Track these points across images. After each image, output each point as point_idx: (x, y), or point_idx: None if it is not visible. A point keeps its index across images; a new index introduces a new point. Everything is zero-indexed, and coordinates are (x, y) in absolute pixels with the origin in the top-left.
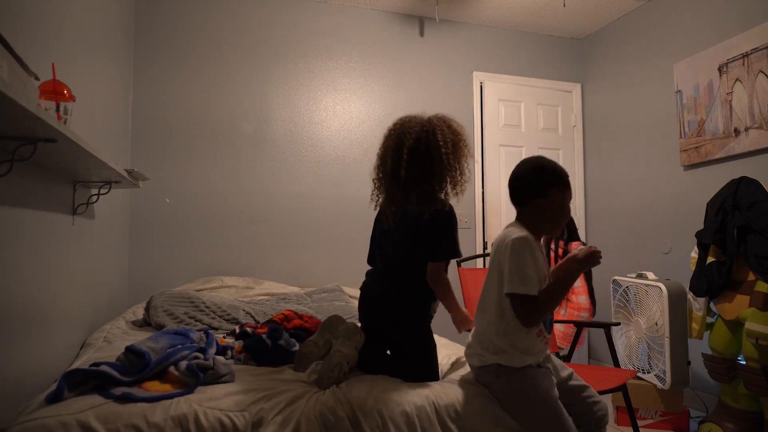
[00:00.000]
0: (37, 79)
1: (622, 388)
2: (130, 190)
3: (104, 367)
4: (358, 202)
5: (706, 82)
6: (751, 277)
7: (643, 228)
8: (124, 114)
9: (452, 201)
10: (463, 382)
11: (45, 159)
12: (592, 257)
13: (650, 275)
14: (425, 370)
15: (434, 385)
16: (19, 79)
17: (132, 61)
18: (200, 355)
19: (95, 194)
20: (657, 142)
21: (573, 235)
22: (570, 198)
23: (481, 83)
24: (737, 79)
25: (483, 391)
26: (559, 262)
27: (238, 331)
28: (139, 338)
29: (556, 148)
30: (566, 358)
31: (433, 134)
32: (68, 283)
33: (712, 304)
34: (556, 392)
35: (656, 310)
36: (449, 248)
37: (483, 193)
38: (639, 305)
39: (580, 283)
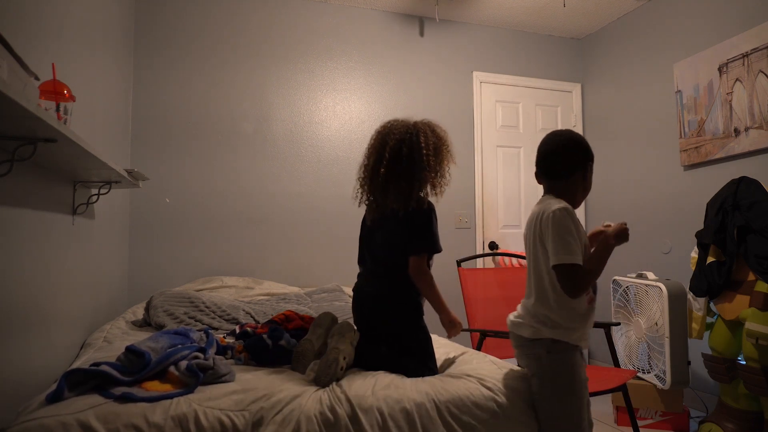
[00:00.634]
0: (37, 79)
1: (622, 388)
2: (130, 190)
3: (104, 367)
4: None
5: (706, 82)
6: (751, 277)
7: (643, 228)
8: (124, 114)
9: (432, 200)
10: (462, 377)
11: (45, 159)
12: (624, 233)
13: (650, 275)
14: (423, 364)
15: (433, 380)
16: (19, 79)
17: (132, 61)
18: (200, 354)
19: (95, 194)
20: (657, 142)
21: None
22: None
23: (481, 83)
24: (737, 79)
25: (483, 385)
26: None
27: (238, 331)
28: (139, 338)
29: None
30: None
31: (416, 136)
32: (68, 283)
33: (712, 304)
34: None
35: (656, 310)
36: (429, 242)
37: (483, 193)
38: (639, 305)
39: None
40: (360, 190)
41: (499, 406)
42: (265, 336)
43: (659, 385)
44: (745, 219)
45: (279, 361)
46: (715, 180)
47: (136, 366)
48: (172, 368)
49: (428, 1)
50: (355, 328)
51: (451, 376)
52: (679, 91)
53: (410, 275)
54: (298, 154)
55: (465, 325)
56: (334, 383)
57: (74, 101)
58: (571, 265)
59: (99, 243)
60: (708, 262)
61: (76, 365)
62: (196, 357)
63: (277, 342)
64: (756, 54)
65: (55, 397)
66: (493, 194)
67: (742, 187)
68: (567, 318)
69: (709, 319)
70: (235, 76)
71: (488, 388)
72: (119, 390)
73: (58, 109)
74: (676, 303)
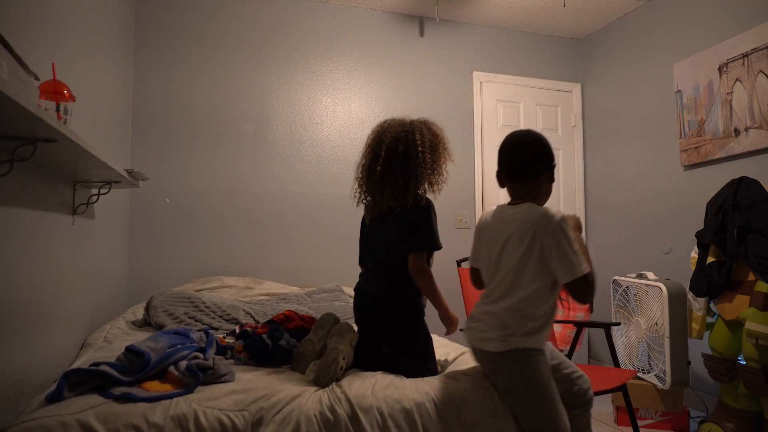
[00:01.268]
0: (37, 79)
1: (622, 388)
2: (130, 189)
3: (104, 367)
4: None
5: (706, 82)
6: (751, 277)
7: (643, 228)
8: (124, 113)
9: (430, 197)
10: (461, 377)
11: (45, 159)
12: (578, 223)
13: (650, 275)
14: (423, 364)
15: (433, 380)
16: (19, 79)
17: (132, 60)
18: (200, 354)
19: (95, 194)
20: (657, 142)
21: None
22: None
23: (481, 83)
24: (737, 79)
25: (482, 385)
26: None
27: (238, 331)
28: (139, 338)
29: (556, 148)
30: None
31: (412, 134)
32: (68, 283)
33: (712, 304)
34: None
35: (656, 310)
36: (428, 239)
37: (483, 193)
38: (639, 305)
39: None
40: (358, 190)
41: (497, 405)
42: (265, 336)
43: (659, 385)
44: (745, 219)
45: (279, 361)
46: (715, 180)
47: (136, 366)
48: (172, 368)
49: (428, 1)
50: (355, 329)
51: (450, 376)
52: (679, 91)
53: (410, 273)
54: (298, 154)
55: (464, 325)
56: (334, 383)
57: (74, 101)
58: (588, 274)
59: (99, 243)
60: (708, 262)
61: (76, 365)
62: (196, 357)
63: (277, 342)
64: (756, 54)
65: (55, 397)
66: (494, 194)
67: (742, 187)
68: (543, 319)
69: (709, 319)
70: (235, 75)
71: (487, 388)
72: (119, 390)
73: (58, 109)
74: (676, 303)
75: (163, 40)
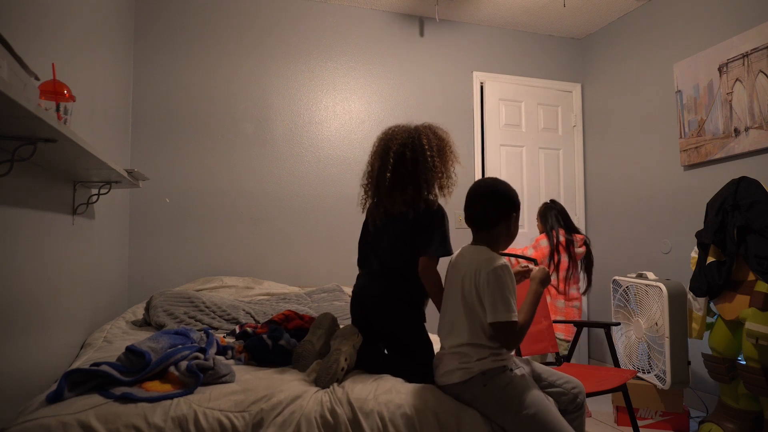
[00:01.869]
0: (37, 79)
1: (622, 388)
2: (130, 189)
3: (104, 367)
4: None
5: (706, 82)
6: (751, 277)
7: (643, 228)
8: (124, 112)
9: (441, 201)
10: None
11: (45, 159)
12: (547, 277)
13: (650, 275)
14: (426, 368)
15: (435, 387)
16: (19, 79)
17: (132, 59)
18: (200, 355)
19: (95, 194)
20: (657, 142)
21: (572, 226)
22: None
23: (481, 83)
24: (737, 79)
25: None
26: (562, 253)
27: (238, 331)
28: (139, 338)
29: (556, 148)
30: (566, 358)
31: (418, 139)
32: (68, 283)
33: (712, 304)
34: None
35: (656, 310)
36: (440, 244)
37: None
38: (639, 305)
39: (572, 274)
40: (364, 197)
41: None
42: (265, 336)
43: (659, 385)
44: (745, 219)
45: (279, 361)
46: (715, 180)
47: (136, 366)
48: (172, 368)
49: (428, 1)
50: (358, 332)
51: None
52: (679, 91)
53: (420, 275)
54: (298, 154)
55: None
56: (335, 385)
57: (74, 101)
58: (512, 322)
59: (99, 243)
60: (708, 262)
61: (76, 365)
62: (197, 357)
63: (277, 342)
64: (756, 54)
65: (55, 397)
66: None
67: (742, 187)
68: (498, 348)
69: (709, 319)
70: (235, 75)
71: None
72: (119, 390)
73: (58, 109)
74: (676, 303)
75: (163, 41)
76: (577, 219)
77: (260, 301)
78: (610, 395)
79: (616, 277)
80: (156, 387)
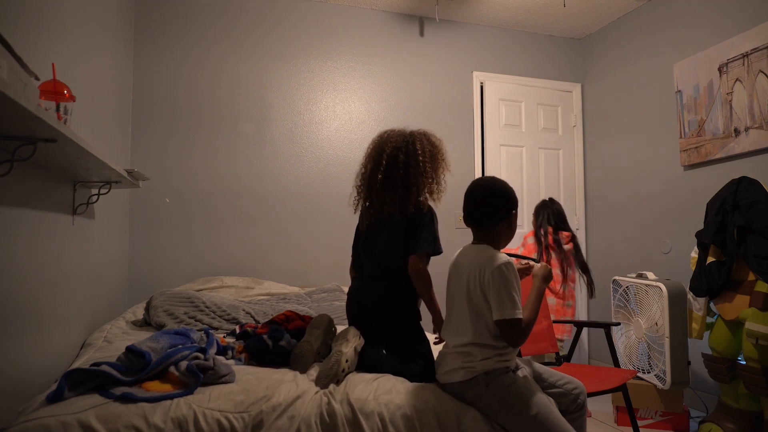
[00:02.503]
0: (37, 79)
1: (622, 388)
2: (130, 189)
3: (105, 367)
4: None
5: (706, 82)
6: (751, 277)
7: (643, 228)
8: (125, 112)
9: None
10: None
11: (45, 159)
12: (549, 274)
13: (650, 275)
14: (425, 368)
15: (435, 387)
16: (19, 79)
17: (132, 58)
18: (200, 355)
19: (95, 194)
20: (657, 142)
21: (563, 225)
22: None
23: (481, 83)
24: (737, 79)
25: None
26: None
27: (238, 331)
28: (139, 338)
29: (556, 148)
30: (566, 358)
31: (412, 144)
32: (68, 283)
33: (712, 304)
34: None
35: (656, 310)
36: (429, 242)
37: None
38: (639, 305)
39: (570, 273)
40: (357, 197)
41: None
42: (265, 336)
43: (659, 385)
44: (745, 219)
45: (279, 362)
46: (715, 180)
47: (136, 366)
48: (172, 368)
49: (428, 1)
50: (360, 334)
51: None
52: (679, 91)
53: (409, 274)
54: (298, 154)
55: None
56: (335, 386)
57: (74, 101)
58: (517, 320)
59: (99, 243)
60: (708, 262)
61: (76, 365)
62: (197, 357)
63: (277, 342)
64: (756, 54)
65: (55, 397)
66: None
67: (742, 187)
68: (502, 347)
69: (709, 319)
70: (235, 75)
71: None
72: (119, 390)
73: (58, 109)
74: (676, 303)
75: (163, 40)
76: (577, 219)
77: (260, 301)
78: (610, 395)
79: (616, 277)
80: (156, 387)
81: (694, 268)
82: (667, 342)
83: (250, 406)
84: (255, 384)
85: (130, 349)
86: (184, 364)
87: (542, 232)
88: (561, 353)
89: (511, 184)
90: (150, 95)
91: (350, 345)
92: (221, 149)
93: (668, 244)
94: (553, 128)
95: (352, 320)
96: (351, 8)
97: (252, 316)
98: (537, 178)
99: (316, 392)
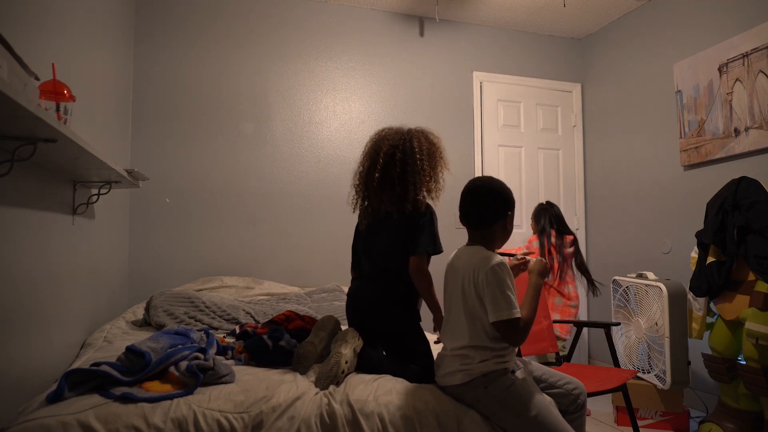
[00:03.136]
0: (37, 79)
1: (622, 388)
2: (130, 189)
3: (105, 367)
4: None
5: (706, 82)
6: (751, 277)
7: (643, 228)
8: (124, 112)
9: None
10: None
11: (45, 159)
12: (545, 269)
13: (650, 275)
14: (425, 368)
15: (435, 388)
16: (19, 79)
17: (132, 60)
18: (200, 355)
19: (95, 194)
20: (657, 142)
21: (564, 228)
22: None
23: (480, 83)
24: (737, 79)
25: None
26: (554, 254)
27: (238, 331)
28: (139, 338)
29: (555, 148)
30: (566, 358)
31: (410, 142)
32: (68, 282)
33: (712, 304)
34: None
35: (656, 310)
36: (429, 242)
37: None
38: (639, 305)
39: (569, 273)
40: (355, 196)
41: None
42: (265, 336)
43: (659, 385)
44: (745, 219)
45: (279, 362)
46: (715, 180)
47: (136, 366)
48: (172, 368)
49: (428, 1)
50: (359, 336)
51: None
52: (679, 91)
53: (410, 274)
54: (298, 154)
55: None
56: (335, 387)
57: (74, 101)
58: (515, 319)
59: (99, 243)
60: (708, 262)
61: (76, 365)
62: (197, 357)
63: (277, 342)
64: (756, 54)
65: (55, 397)
66: None
67: (742, 187)
68: (500, 349)
69: (709, 319)
70: (236, 75)
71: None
72: (119, 390)
73: (58, 109)
74: (676, 303)
75: (163, 40)
76: (577, 219)
77: (260, 301)
78: (610, 395)
79: (616, 277)
80: (156, 387)
81: (694, 268)
82: (667, 342)
83: (250, 406)
84: (255, 384)
85: (130, 349)
86: (184, 364)
87: (545, 235)
88: (561, 353)
89: (509, 184)
90: (150, 95)
91: (349, 346)
92: (221, 149)
93: (668, 244)
94: (553, 128)
95: (352, 321)
96: (351, 8)
97: (252, 316)
98: (536, 178)
99: (316, 393)
